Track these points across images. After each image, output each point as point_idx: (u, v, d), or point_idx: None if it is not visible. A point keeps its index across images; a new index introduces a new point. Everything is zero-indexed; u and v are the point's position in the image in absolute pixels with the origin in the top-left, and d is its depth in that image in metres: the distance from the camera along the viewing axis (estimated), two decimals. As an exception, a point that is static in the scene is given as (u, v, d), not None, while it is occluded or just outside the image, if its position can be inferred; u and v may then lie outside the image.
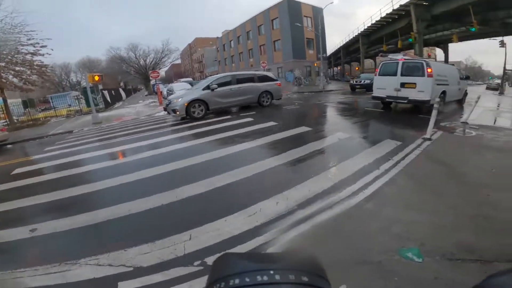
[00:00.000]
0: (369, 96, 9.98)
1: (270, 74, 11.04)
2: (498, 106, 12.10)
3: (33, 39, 14.50)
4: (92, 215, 2.84)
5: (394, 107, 9.36)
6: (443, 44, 36.02)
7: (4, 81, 14.30)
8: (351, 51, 40.99)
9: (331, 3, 21.75)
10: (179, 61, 62.60)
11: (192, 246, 2.14)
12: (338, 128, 6.20)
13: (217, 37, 50.34)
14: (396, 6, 22.66)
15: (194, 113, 8.39)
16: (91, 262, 2.06)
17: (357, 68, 40.68)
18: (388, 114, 8.35)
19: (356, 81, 19.60)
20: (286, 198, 2.84)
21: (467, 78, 11.89)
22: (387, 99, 8.60)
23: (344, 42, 39.33)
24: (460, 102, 10.21)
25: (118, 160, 5.24)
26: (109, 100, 22.04)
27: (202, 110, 8.56)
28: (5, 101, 14.68)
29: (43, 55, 15.11)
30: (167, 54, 40.17)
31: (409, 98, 7.90)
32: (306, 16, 30.38)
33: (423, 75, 7.62)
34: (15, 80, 15.25)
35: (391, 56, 8.99)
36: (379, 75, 8.77)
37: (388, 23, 26.03)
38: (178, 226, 2.44)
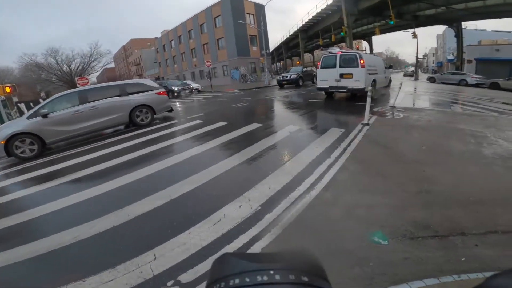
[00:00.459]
0: (307, 89, 10.47)
1: (146, 81, 8.35)
2: (415, 90, 14.12)
3: None
4: (33, 246, 2.30)
5: (334, 96, 10.21)
6: (368, 37, 41.00)
7: None
8: (292, 46, 43.20)
9: (271, -1, 22.26)
10: (112, 65, 56.35)
11: (159, 266, 1.90)
12: (287, 122, 6.33)
13: (156, 38, 47.29)
14: (329, 2, 24.69)
15: (21, 152, 5.74)
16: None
17: (298, 62, 42.95)
18: (329, 104, 8.96)
19: (282, 77, 17.20)
20: (248, 199, 2.72)
21: (390, 67, 13.62)
22: (330, 89, 9.26)
23: (285, 38, 41.12)
24: (387, 88, 11.60)
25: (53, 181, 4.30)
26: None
27: (35, 147, 5.87)
28: None
29: None
30: (96, 58, 35.45)
31: (348, 87, 8.64)
32: (248, 13, 30.50)
33: (357, 66, 8.38)
34: None
35: (330, 49, 9.65)
36: (321, 67, 9.36)
37: (323, 18, 28.17)
38: (138, 246, 2.13)
